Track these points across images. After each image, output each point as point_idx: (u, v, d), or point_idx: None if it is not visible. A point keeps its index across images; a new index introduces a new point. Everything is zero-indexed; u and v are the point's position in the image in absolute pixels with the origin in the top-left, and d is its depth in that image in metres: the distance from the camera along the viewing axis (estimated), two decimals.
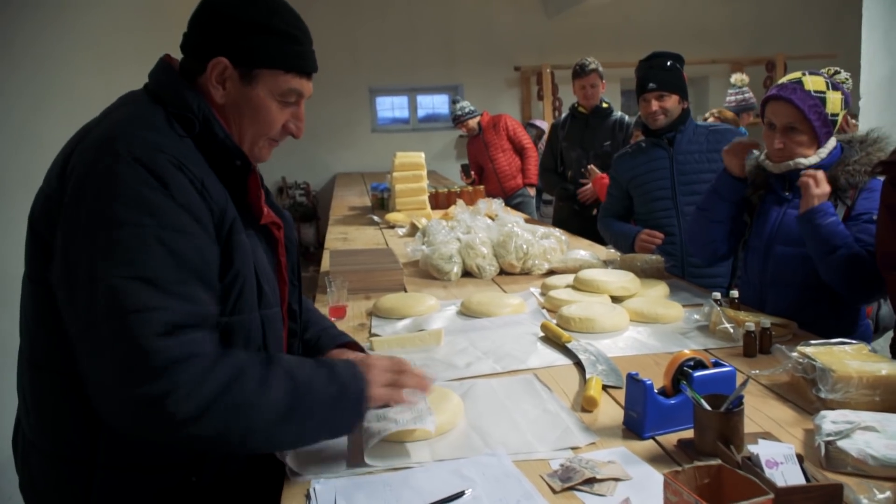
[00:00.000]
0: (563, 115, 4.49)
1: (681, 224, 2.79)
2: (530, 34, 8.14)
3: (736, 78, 4.79)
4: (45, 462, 1.16)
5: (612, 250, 2.84)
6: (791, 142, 1.97)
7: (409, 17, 7.95)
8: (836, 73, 2.01)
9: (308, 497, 1.14)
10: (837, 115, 1.94)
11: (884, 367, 1.34)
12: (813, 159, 1.95)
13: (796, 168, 1.97)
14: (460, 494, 1.12)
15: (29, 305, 1.15)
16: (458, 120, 5.75)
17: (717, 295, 1.94)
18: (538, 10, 8.17)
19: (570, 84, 4.34)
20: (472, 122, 5.71)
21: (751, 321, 1.74)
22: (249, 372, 1.07)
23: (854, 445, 1.14)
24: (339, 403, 1.16)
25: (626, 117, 4.23)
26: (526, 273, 2.64)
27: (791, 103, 1.93)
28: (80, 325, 1.02)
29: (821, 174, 1.89)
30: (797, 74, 1.99)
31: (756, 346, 1.70)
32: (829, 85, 1.94)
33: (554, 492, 1.13)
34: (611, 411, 1.42)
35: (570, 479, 1.15)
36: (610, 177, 3.11)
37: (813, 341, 1.52)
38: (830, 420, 1.21)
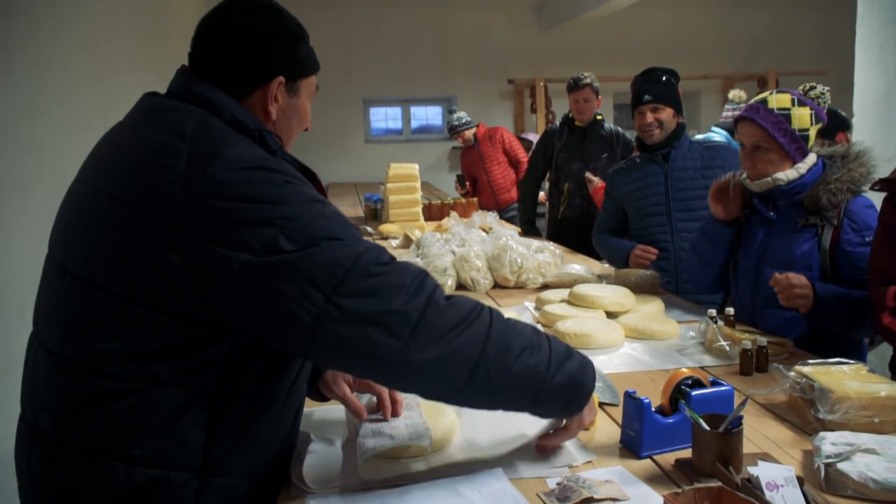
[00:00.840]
0: (555, 125, 4.49)
1: (675, 240, 2.79)
2: (524, 47, 8.18)
3: (734, 94, 4.82)
4: (85, 462, 1.07)
5: (607, 265, 2.83)
6: (761, 161, 1.99)
7: (403, 28, 7.97)
8: (812, 87, 2.03)
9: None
10: (807, 130, 1.95)
11: (883, 389, 1.34)
12: (791, 174, 1.96)
13: (775, 185, 1.98)
14: None
15: (90, 310, 1.07)
16: (454, 130, 5.72)
17: (713, 312, 1.94)
18: (532, 24, 8.21)
19: (563, 97, 4.36)
20: (469, 133, 5.69)
21: (747, 339, 1.74)
22: (486, 306, 1.14)
23: (854, 468, 1.13)
24: (571, 357, 1.20)
25: (621, 129, 4.26)
26: (520, 287, 2.63)
27: (754, 122, 1.97)
28: (319, 305, 1.00)
29: (788, 281, 1.80)
30: (765, 94, 2.02)
31: (752, 364, 1.69)
32: (796, 101, 1.95)
33: None
34: (607, 429, 1.41)
35: (567, 499, 1.14)
36: (605, 192, 3.11)
37: (810, 360, 1.52)
38: (830, 442, 1.20)
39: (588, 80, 4.11)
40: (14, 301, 2.08)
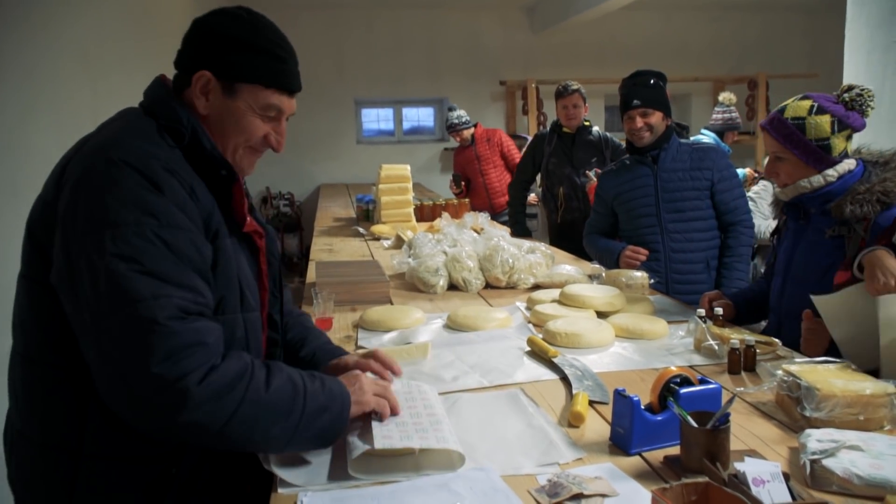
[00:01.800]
0: (544, 130, 4.52)
1: (665, 241, 2.82)
2: (516, 49, 8.20)
3: (724, 97, 4.85)
4: (33, 451, 1.20)
5: (598, 266, 2.85)
6: (781, 170, 1.96)
7: (395, 29, 7.98)
8: (849, 89, 1.91)
9: None
10: (826, 138, 1.87)
11: (868, 387, 1.36)
12: (816, 181, 1.89)
13: (800, 192, 1.93)
14: None
15: (24, 302, 1.20)
16: (453, 128, 5.65)
17: (702, 312, 1.96)
18: (524, 26, 8.23)
19: (553, 99, 4.39)
20: (467, 133, 5.64)
21: (735, 338, 1.76)
22: (256, 369, 1.14)
23: (839, 464, 1.14)
24: (327, 411, 1.21)
25: (609, 134, 4.31)
26: (511, 287, 2.65)
27: (768, 134, 1.96)
28: (87, 320, 1.06)
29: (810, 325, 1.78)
30: (790, 100, 1.97)
31: (740, 363, 1.71)
32: (814, 109, 1.89)
33: None
34: (597, 427, 1.42)
35: (557, 495, 1.15)
36: (595, 193, 3.14)
37: (797, 359, 1.54)
38: (816, 439, 1.22)
39: (576, 87, 4.17)
40: (5, 304, 2.08)
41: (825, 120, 1.88)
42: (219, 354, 1.11)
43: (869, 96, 1.89)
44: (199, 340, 1.07)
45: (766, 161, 2.06)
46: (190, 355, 1.05)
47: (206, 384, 1.06)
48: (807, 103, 1.91)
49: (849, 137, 1.92)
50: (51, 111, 2.38)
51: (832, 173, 1.89)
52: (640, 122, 2.78)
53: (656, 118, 2.79)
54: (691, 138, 4.12)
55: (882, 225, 1.77)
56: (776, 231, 2.16)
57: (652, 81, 2.82)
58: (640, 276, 2.52)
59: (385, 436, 1.27)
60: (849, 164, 1.90)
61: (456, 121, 5.64)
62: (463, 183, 5.65)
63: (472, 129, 5.65)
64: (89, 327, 1.06)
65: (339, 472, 1.24)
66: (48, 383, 1.17)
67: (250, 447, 1.18)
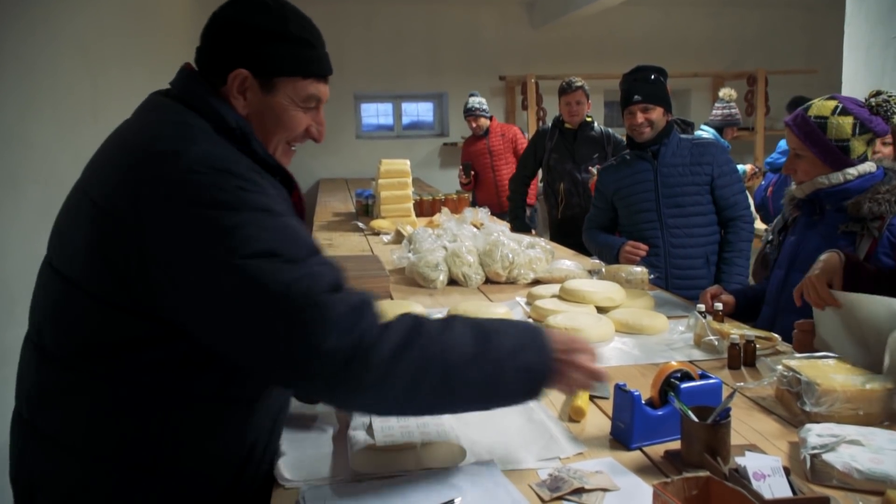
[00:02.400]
0: (546, 126, 4.52)
1: (665, 236, 2.82)
2: (515, 44, 8.18)
3: (724, 92, 4.85)
4: (73, 461, 1.11)
5: (597, 261, 2.86)
6: (800, 167, 1.98)
7: (395, 25, 7.96)
8: (877, 94, 1.92)
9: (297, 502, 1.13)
10: (846, 140, 1.89)
11: (867, 382, 1.36)
12: (835, 178, 1.91)
13: (817, 188, 1.95)
14: (450, 503, 1.11)
15: (62, 306, 1.11)
16: (471, 112, 5.42)
17: (702, 307, 1.96)
18: (524, 21, 8.22)
19: (554, 94, 4.38)
20: (484, 122, 5.45)
21: (735, 333, 1.76)
22: (425, 320, 1.10)
23: (839, 459, 1.15)
24: (523, 349, 1.13)
25: (611, 130, 4.30)
26: (511, 282, 2.65)
27: (791, 131, 1.98)
28: (241, 330, 1.01)
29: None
30: (817, 99, 1.99)
31: (741, 358, 1.71)
32: (838, 110, 1.91)
33: (543, 501, 1.14)
34: (598, 422, 1.43)
35: (558, 489, 1.16)
36: (595, 188, 3.14)
37: (797, 354, 1.54)
38: (816, 433, 1.22)
39: (580, 83, 4.16)
40: (4, 296, 2.08)
41: (847, 121, 1.90)
42: (380, 317, 1.07)
43: (891, 103, 1.89)
44: (359, 305, 1.04)
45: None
46: (357, 322, 1.02)
47: (384, 342, 1.03)
48: (832, 103, 1.93)
49: (870, 142, 1.93)
50: (50, 105, 2.37)
51: (853, 172, 1.90)
52: (640, 117, 2.78)
53: (657, 113, 2.78)
54: (697, 133, 4.13)
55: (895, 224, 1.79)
56: (783, 228, 2.17)
57: (653, 77, 2.82)
58: (639, 271, 2.52)
59: (387, 432, 1.27)
60: (869, 167, 1.91)
61: (477, 105, 5.43)
62: (473, 173, 5.48)
63: (488, 120, 5.49)
64: (246, 337, 1.01)
65: (340, 467, 1.24)
66: (74, 384, 1.10)
67: (454, 400, 1.10)
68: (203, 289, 1.01)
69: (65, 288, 1.09)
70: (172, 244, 1.02)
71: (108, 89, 2.92)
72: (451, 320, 1.13)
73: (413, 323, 1.08)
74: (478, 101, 5.46)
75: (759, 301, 2.18)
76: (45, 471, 1.13)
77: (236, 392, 1.15)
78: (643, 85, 2.80)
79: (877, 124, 1.91)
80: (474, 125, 5.48)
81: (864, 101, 1.94)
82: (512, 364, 1.11)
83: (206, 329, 1.04)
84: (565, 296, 2.26)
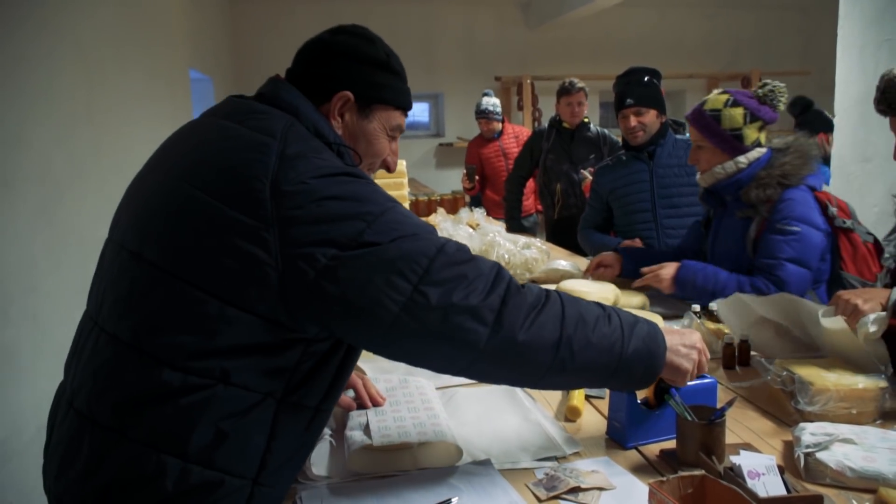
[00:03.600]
0: (542, 126, 4.52)
1: (660, 237, 2.83)
2: (511, 45, 8.20)
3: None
4: (140, 455, 1.03)
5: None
6: (701, 157, 2.15)
7: (390, 24, 7.95)
8: (763, 85, 2.11)
9: (294, 501, 1.14)
10: (739, 129, 2.07)
11: (860, 381, 1.37)
12: (729, 166, 2.09)
13: (716, 179, 2.12)
14: (447, 503, 1.12)
15: (167, 305, 1.04)
16: (484, 115, 5.13)
17: (697, 307, 1.97)
18: (519, 22, 8.23)
19: (549, 95, 4.39)
20: (497, 125, 5.19)
21: (730, 333, 1.77)
22: (561, 293, 1.14)
23: (833, 457, 1.16)
24: (637, 321, 1.18)
25: (607, 131, 4.31)
26: None
27: (691, 124, 2.15)
28: (400, 313, 1.02)
29: (653, 275, 2.17)
30: (711, 94, 2.16)
31: (735, 357, 1.72)
32: (729, 102, 2.08)
33: (539, 501, 1.14)
34: (594, 421, 1.44)
35: (554, 489, 1.16)
36: (591, 188, 3.15)
37: (791, 355, 1.55)
38: (809, 432, 1.23)
39: (581, 84, 4.16)
40: None
41: (738, 112, 2.08)
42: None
43: (780, 92, 2.10)
44: (493, 262, 1.09)
45: None
46: (500, 271, 1.08)
47: (524, 291, 1.08)
48: (724, 97, 2.11)
49: (761, 128, 2.11)
50: (45, 104, 2.37)
51: (743, 160, 2.08)
52: (633, 121, 2.79)
53: (650, 117, 2.80)
54: (686, 135, 4.13)
55: (779, 201, 2.00)
56: (706, 222, 2.35)
57: (646, 79, 2.82)
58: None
59: (383, 433, 1.28)
60: (758, 152, 2.09)
61: (492, 108, 5.15)
62: (477, 178, 5.20)
63: (500, 123, 5.27)
64: (407, 305, 1.01)
65: (337, 467, 1.25)
66: (192, 391, 1.02)
67: (591, 357, 1.11)
68: (353, 281, 1.01)
69: (173, 285, 1.03)
70: (314, 242, 1.01)
71: (103, 88, 2.91)
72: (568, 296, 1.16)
73: (540, 287, 1.13)
74: (492, 104, 5.18)
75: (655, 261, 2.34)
76: (134, 479, 1.02)
77: (329, 403, 1.14)
78: (636, 88, 2.81)
79: (765, 113, 2.09)
80: (486, 128, 5.21)
81: (752, 92, 2.12)
82: (632, 331, 1.15)
83: (356, 321, 1.04)
84: None
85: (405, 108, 1.31)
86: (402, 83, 1.30)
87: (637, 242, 2.81)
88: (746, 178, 2.07)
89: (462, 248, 1.08)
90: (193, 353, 1.01)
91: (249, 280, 1.00)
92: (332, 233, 1.01)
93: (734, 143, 2.08)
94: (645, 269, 2.23)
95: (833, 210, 2.02)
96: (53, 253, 2.24)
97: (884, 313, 1.43)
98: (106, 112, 2.92)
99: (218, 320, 1.01)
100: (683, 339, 1.22)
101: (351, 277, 1.00)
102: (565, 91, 4.19)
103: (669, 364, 1.19)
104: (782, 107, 2.12)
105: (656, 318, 2.03)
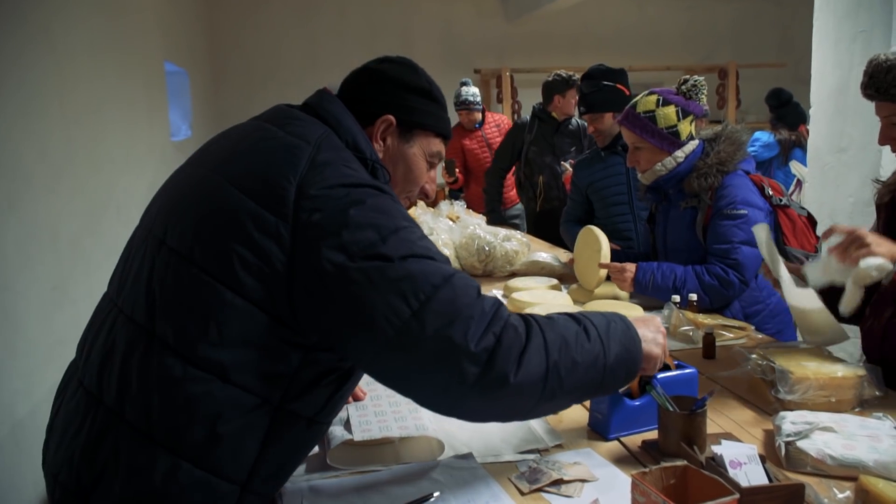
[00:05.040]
0: (524, 119, 4.51)
1: (638, 228, 2.84)
2: (490, 37, 8.17)
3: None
4: (135, 443, 1.02)
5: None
6: (641, 158, 2.19)
7: (368, 17, 7.91)
8: (684, 81, 2.19)
9: (275, 500, 1.12)
10: (674, 125, 2.12)
11: (839, 369, 1.39)
12: (669, 162, 2.14)
13: (658, 175, 2.17)
14: (428, 497, 1.11)
15: (176, 284, 1.04)
16: (467, 105, 4.91)
17: (677, 298, 1.98)
18: (498, 14, 8.21)
19: (529, 87, 4.37)
20: (477, 115, 4.98)
21: (710, 324, 1.78)
22: (535, 316, 1.11)
23: (813, 446, 1.17)
24: (611, 321, 1.16)
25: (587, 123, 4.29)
26: (488, 275, 2.65)
27: (626, 128, 2.19)
28: (396, 333, 0.99)
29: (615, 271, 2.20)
30: (638, 97, 2.21)
31: (715, 347, 1.73)
32: (660, 102, 2.14)
33: (522, 494, 1.14)
34: (576, 413, 1.43)
35: (537, 481, 1.16)
36: (571, 182, 3.16)
37: (771, 343, 1.56)
38: (790, 421, 1.24)
39: (576, 78, 4.14)
40: None
41: (671, 110, 2.14)
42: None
43: (702, 86, 2.21)
44: (495, 298, 1.07)
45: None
46: (499, 310, 1.05)
47: (520, 330, 1.05)
48: (653, 97, 2.16)
49: (692, 122, 2.17)
50: (15, 96, 2.31)
51: (680, 154, 2.14)
52: (591, 127, 2.97)
53: (605, 120, 2.95)
54: None
55: (720, 187, 2.08)
56: (650, 218, 2.41)
57: (604, 83, 2.89)
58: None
59: (364, 427, 1.27)
60: (692, 145, 2.16)
61: (472, 98, 4.90)
62: (458, 170, 4.94)
63: (480, 113, 5.07)
64: (403, 330, 0.99)
65: (317, 463, 1.23)
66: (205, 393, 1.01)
67: (579, 377, 1.09)
68: (354, 294, 1.00)
69: (187, 270, 1.03)
70: (326, 245, 1.01)
71: (75, 81, 2.85)
72: (555, 318, 1.14)
73: (518, 315, 1.09)
74: (472, 93, 4.94)
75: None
76: (128, 465, 1.00)
77: (326, 415, 1.12)
78: (587, 96, 2.97)
79: (694, 107, 2.17)
80: (467, 119, 4.99)
81: (675, 89, 2.20)
82: (609, 337, 1.13)
83: (351, 335, 1.02)
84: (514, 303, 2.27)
85: (445, 135, 1.34)
86: (442, 111, 1.33)
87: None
88: (686, 170, 2.13)
89: (470, 285, 1.06)
90: (196, 340, 1.01)
91: (260, 273, 1.01)
92: (344, 240, 1.00)
93: (672, 140, 2.13)
94: (608, 264, 2.23)
95: (768, 190, 2.12)
96: (25, 249, 2.19)
97: (892, 266, 1.40)
98: (78, 105, 2.86)
99: (224, 309, 1.01)
100: (648, 326, 1.22)
101: (353, 289, 0.99)
102: (570, 84, 4.10)
103: (645, 356, 1.18)
104: (705, 100, 2.22)
105: (637, 311, 2.04)
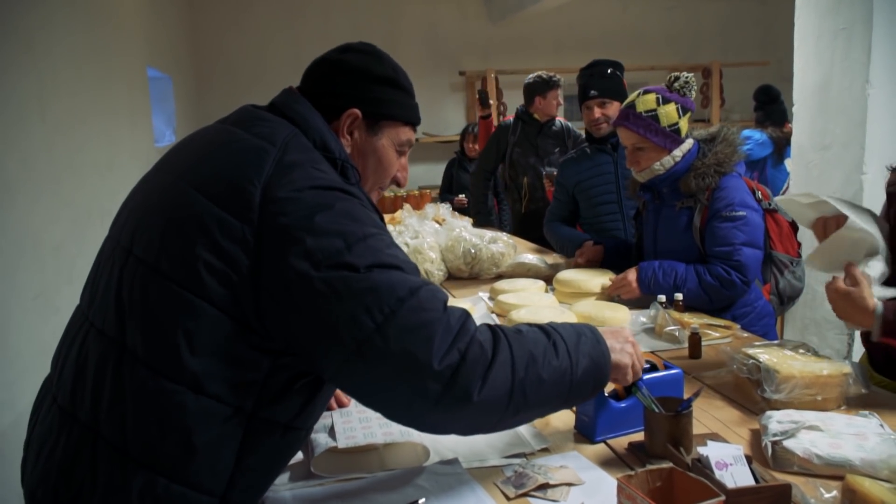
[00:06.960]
0: (508, 120, 4.50)
1: (626, 227, 2.84)
2: (474, 39, 8.17)
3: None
4: (109, 460, 1.00)
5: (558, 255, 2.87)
6: (642, 158, 2.15)
7: (352, 18, 7.87)
8: (675, 79, 2.16)
9: None
10: (676, 123, 2.10)
11: (825, 368, 1.39)
12: (667, 161, 2.11)
13: (655, 174, 2.14)
14: None
15: (144, 295, 1.03)
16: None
17: (663, 298, 1.98)
18: (482, 15, 8.21)
19: (513, 89, 4.37)
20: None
21: (696, 323, 1.78)
22: (504, 329, 1.10)
23: (800, 445, 1.16)
24: (581, 334, 1.15)
25: (570, 124, 4.31)
26: (474, 277, 2.64)
27: (627, 128, 2.14)
28: (360, 344, 0.97)
29: (620, 285, 2.19)
30: (633, 96, 2.17)
31: (701, 347, 1.73)
32: (660, 100, 2.11)
33: (508, 499, 1.13)
34: (562, 415, 1.42)
35: (523, 486, 1.15)
36: (556, 181, 3.15)
37: (756, 343, 1.56)
38: (776, 420, 1.23)
39: (557, 78, 4.16)
40: None
41: (672, 108, 2.12)
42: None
43: (692, 82, 2.18)
44: (462, 310, 1.06)
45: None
46: (466, 323, 1.03)
47: (485, 347, 1.02)
48: (652, 96, 2.13)
49: (689, 120, 2.16)
50: None
51: (678, 153, 2.12)
52: (597, 112, 2.82)
53: (613, 108, 2.81)
54: None
55: (719, 189, 2.07)
56: (637, 215, 2.41)
57: (609, 71, 2.84)
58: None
59: (348, 434, 1.25)
60: (689, 143, 2.14)
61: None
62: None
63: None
64: (364, 343, 0.97)
65: (301, 471, 1.22)
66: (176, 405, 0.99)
67: (544, 393, 1.08)
68: (317, 304, 0.98)
69: (155, 280, 1.02)
70: (292, 253, 0.99)
71: (55, 86, 2.82)
72: (520, 329, 1.13)
73: (489, 329, 1.08)
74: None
75: (628, 251, 2.47)
76: (104, 483, 0.99)
77: (303, 421, 1.10)
78: (599, 80, 2.83)
79: (689, 104, 2.16)
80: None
81: (667, 86, 2.17)
82: (578, 351, 1.12)
83: (313, 345, 1.00)
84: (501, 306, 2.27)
85: (414, 123, 1.31)
86: (409, 98, 1.29)
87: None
88: (683, 170, 2.12)
89: (437, 297, 1.03)
90: (166, 351, 0.99)
91: (227, 279, 0.99)
92: (309, 247, 0.98)
93: (674, 138, 2.12)
94: (608, 286, 2.25)
95: (759, 193, 2.13)
96: (7, 258, 2.17)
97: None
98: (60, 112, 2.83)
99: (193, 318, 0.99)
100: (616, 336, 1.22)
101: (317, 300, 0.97)
102: (551, 85, 4.12)
103: (614, 366, 1.18)
104: (695, 96, 2.21)
105: (623, 310, 2.04)
